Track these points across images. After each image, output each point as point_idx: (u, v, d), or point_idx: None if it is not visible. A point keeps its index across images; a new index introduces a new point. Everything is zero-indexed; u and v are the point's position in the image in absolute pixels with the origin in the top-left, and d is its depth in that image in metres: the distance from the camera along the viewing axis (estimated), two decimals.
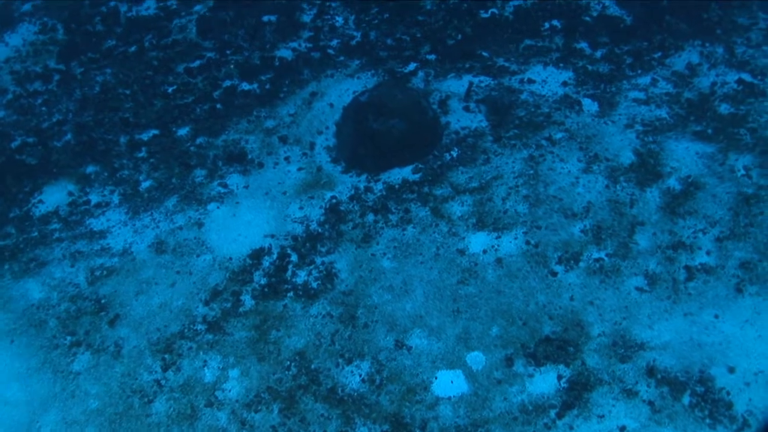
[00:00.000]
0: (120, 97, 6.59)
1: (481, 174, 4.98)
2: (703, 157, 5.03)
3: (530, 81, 6.06)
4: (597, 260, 4.35)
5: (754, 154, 5.04)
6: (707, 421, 3.50)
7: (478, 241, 4.43)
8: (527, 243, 4.45)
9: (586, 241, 4.46)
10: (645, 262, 4.29)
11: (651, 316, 4.00)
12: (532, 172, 4.95)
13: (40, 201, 5.46)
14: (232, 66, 6.14)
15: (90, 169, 5.67)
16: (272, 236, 4.63)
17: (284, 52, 7.20)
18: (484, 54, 6.54)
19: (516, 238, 4.49)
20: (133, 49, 7.51)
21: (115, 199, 5.37)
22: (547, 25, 7.09)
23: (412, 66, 6.43)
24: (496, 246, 4.45)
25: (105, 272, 4.73)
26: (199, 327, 4.25)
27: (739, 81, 5.93)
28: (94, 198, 5.38)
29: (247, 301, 4.38)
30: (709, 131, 5.32)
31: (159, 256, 4.79)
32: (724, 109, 5.58)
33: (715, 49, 6.53)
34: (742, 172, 4.86)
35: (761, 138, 5.25)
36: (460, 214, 4.71)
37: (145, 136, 5.97)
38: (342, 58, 6.73)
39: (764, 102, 5.66)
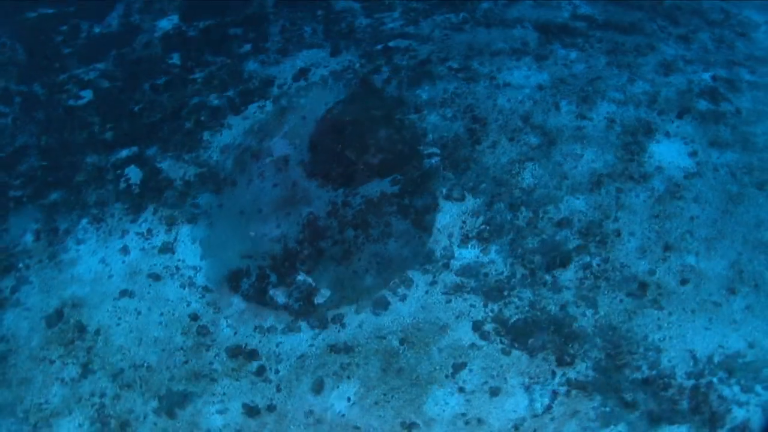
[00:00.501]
0: (86, 119, 6.38)
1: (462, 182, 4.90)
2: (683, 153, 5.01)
3: (506, 84, 5.98)
4: None
5: (734, 149, 5.01)
6: None
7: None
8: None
9: None
10: None
11: None
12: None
13: (5, 230, 5.25)
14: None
15: (55, 195, 5.46)
16: (249, 257, 4.48)
17: (251, 65, 7.07)
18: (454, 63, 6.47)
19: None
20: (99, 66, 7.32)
21: (84, 224, 5.16)
22: (519, 27, 7.05)
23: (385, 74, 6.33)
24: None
25: (77, 301, 4.56)
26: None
27: (714, 77, 5.91)
28: (62, 225, 5.18)
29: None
30: (689, 128, 5.28)
31: (132, 283, 4.61)
32: (702, 105, 5.54)
33: (690, 46, 6.53)
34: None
35: (741, 133, 5.23)
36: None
37: (114, 157, 5.77)
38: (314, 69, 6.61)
39: (741, 97, 5.64)
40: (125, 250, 4.86)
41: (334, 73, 6.57)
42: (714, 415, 3.36)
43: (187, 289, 4.59)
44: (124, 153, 5.81)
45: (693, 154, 5.00)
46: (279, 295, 4.33)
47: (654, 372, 3.63)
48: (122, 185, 5.44)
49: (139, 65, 7.30)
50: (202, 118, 6.14)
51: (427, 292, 4.27)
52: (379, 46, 7.01)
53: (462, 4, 7.94)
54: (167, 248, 4.85)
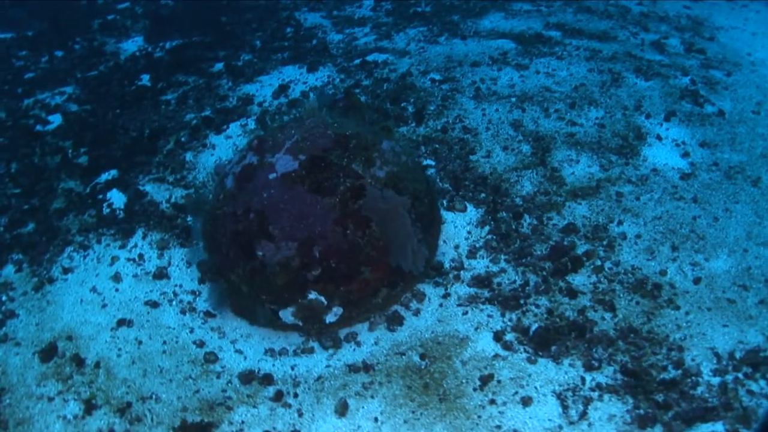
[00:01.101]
0: (57, 143, 6.12)
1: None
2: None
3: (492, 93, 6.02)
4: None
5: (723, 149, 5.16)
6: None
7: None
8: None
9: None
10: None
11: None
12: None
13: None
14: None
15: (33, 224, 5.20)
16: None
17: (226, 84, 6.94)
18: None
19: None
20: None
21: (69, 252, 4.92)
22: (495, 38, 7.15)
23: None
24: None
25: (71, 333, 4.32)
26: None
27: (693, 81, 6.08)
28: (45, 254, 4.92)
29: None
30: (678, 131, 5.41)
31: (129, 311, 4.41)
32: (686, 107, 5.69)
33: (664, 51, 6.72)
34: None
35: (727, 133, 5.38)
36: None
37: (93, 182, 5.54)
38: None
39: (721, 99, 5.82)
40: (117, 277, 4.65)
41: (315, 89, 6.51)
42: (746, 410, 3.39)
43: (188, 314, 4.41)
44: (103, 177, 5.58)
45: (685, 155, 5.11)
46: (288, 316, 4.19)
47: (680, 371, 3.65)
48: (105, 210, 5.22)
49: (107, 87, 7.07)
50: (183, 138, 5.98)
51: (441, 305, 4.22)
52: (356, 61, 6.98)
53: (433, 17, 8.01)
54: (162, 274, 4.67)
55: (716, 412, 3.39)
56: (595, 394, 3.55)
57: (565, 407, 3.50)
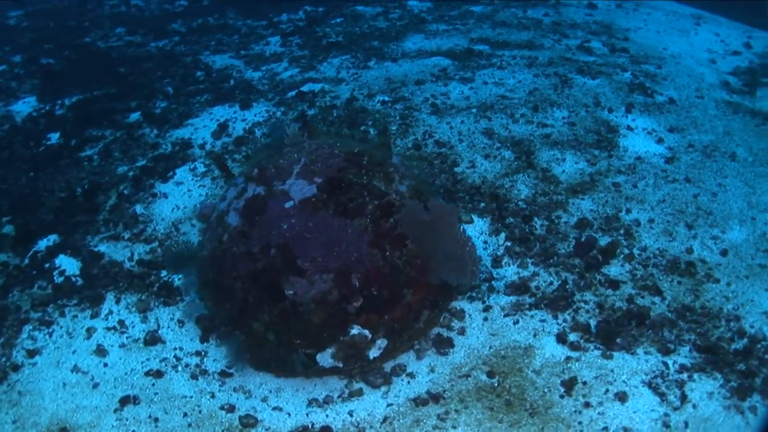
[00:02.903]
0: None
1: None
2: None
3: (451, 107, 6.02)
4: None
5: (690, 132, 5.48)
6: None
7: None
8: None
9: None
10: None
11: None
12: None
13: None
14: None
15: None
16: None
17: (151, 132, 6.43)
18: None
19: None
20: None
21: (29, 332, 4.20)
22: (427, 57, 7.22)
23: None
24: None
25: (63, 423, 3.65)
26: None
27: (635, 75, 6.46)
28: None
29: None
30: (643, 120, 5.68)
31: (129, 386, 3.81)
32: (639, 99, 6.00)
33: (593, 53, 7.11)
34: None
35: (687, 117, 5.72)
36: None
37: (32, 250, 4.82)
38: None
39: (665, 88, 6.21)
40: (101, 350, 4.03)
41: (259, 125, 6.18)
42: None
43: (200, 379, 3.90)
44: (42, 244, 4.88)
45: (660, 141, 5.36)
46: (326, 359, 3.82)
47: (746, 340, 3.72)
48: (58, 279, 4.55)
49: (10, 151, 6.29)
50: (125, 191, 5.40)
51: (486, 319, 4.05)
52: (291, 93, 6.74)
53: (351, 45, 7.95)
54: (154, 338, 4.11)
55: None
56: (684, 376, 3.52)
57: (661, 395, 3.44)
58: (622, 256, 4.34)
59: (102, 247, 4.81)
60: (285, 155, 4.15)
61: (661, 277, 4.17)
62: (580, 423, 3.36)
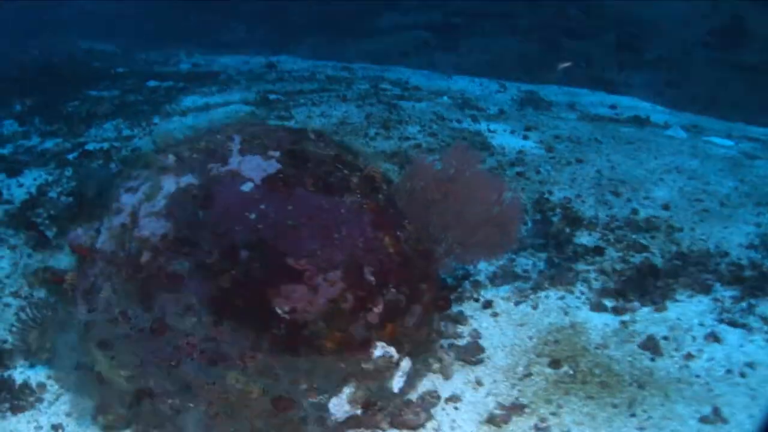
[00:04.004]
0: None
1: None
2: None
3: None
4: None
5: (543, 131, 5.54)
6: None
7: None
8: None
9: None
10: None
11: None
12: None
13: None
14: None
15: None
16: None
17: None
18: None
19: None
20: None
21: None
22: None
23: None
24: None
25: None
26: None
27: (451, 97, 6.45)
28: None
29: None
30: (496, 124, 5.59)
31: None
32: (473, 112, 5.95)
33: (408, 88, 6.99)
34: None
35: (531, 121, 5.80)
36: None
37: None
38: None
39: (485, 103, 6.29)
40: None
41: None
42: None
43: None
44: None
45: (526, 138, 5.30)
46: (342, 407, 2.62)
47: (751, 266, 3.59)
48: None
49: None
50: None
51: (496, 314, 3.28)
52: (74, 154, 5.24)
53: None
54: None
55: None
56: (744, 304, 3.19)
57: (742, 325, 3.03)
58: (586, 225, 3.97)
59: None
60: (203, 138, 2.95)
61: (635, 236, 3.88)
62: (698, 376, 2.74)
